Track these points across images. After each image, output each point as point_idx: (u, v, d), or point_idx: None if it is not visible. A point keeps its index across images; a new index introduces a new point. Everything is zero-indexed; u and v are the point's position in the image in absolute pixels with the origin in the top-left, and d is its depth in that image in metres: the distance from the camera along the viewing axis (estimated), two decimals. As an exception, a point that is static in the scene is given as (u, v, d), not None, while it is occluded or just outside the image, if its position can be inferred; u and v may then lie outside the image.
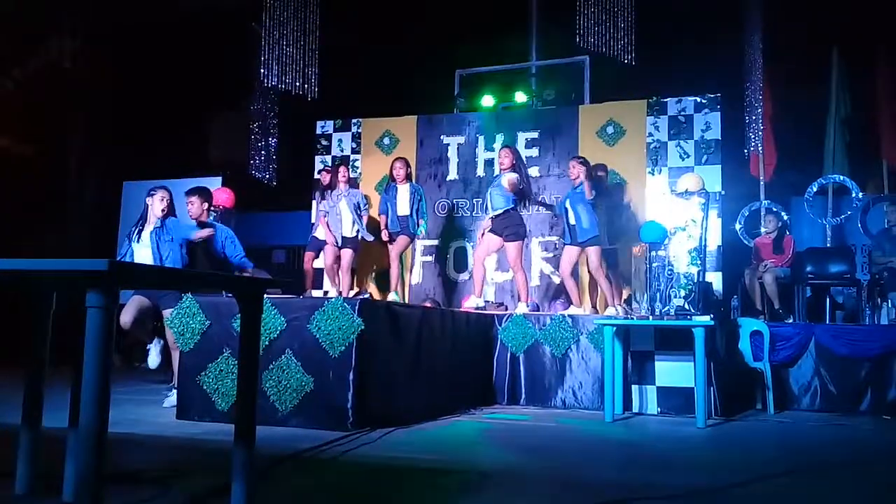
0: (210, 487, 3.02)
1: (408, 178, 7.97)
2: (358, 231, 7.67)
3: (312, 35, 9.14)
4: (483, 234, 7.30)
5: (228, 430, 2.61)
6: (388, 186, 8.11)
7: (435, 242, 8.79)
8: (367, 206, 7.90)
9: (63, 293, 2.91)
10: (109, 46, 10.89)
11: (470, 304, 7.25)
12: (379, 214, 8.07)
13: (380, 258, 8.49)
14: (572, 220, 7.08)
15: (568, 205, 7.14)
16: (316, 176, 8.73)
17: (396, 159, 8.06)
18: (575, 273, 7.34)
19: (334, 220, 7.67)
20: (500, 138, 8.75)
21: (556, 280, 8.05)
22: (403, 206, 7.81)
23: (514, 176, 7.13)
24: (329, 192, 7.82)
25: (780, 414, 6.18)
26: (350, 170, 8.37)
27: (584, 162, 7.23)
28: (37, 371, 2.85)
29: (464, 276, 8.53)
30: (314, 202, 8.34)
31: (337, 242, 7.65)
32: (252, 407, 2.53)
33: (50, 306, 2.87)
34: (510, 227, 7.10)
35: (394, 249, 7.81)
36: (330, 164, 9.24)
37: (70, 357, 2.84)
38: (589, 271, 7.29)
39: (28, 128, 10.46)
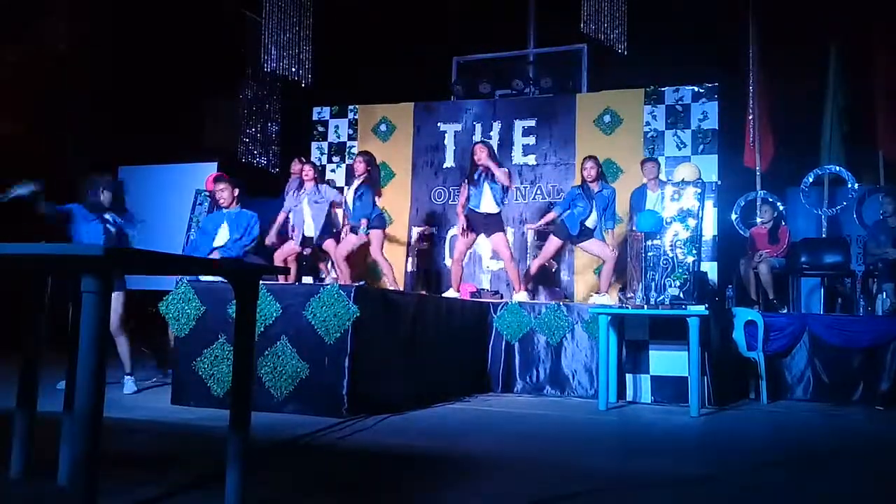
0: (205, 473, 3.02)
1: (364, 174, 7.08)
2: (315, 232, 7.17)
3: (307, 20, 9.09)
4: (462, 231, 7.11)
5: (223, 415, 2.61)
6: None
7: (431, 230, 8.78)
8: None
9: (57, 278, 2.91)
10: (104, 31, 10.82)
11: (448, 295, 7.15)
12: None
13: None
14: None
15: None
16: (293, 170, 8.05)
17: (360, 153, 7.53)
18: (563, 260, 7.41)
19: (298, 218, 7.30)
20: (496, 127, 8.74)
21: (551, 268, 8.05)
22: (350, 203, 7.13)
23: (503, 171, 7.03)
24: (296, 191, 7.45)
25: (774, 404, 6.21)
26: (316, 168, 7.62)
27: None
28: (32, 355, 2.84)
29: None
30: (287, 195, 7.60)
31: (296, 243, 7.28)
32: (247, 393, 2.54)
33: (45, 291, 2.87)
34: (492, 225, 7.04)
35: (374, 248, 7.09)
36: (326, 150, 9.22)
37: (66, 341, 2.84)
38: None
39: (22, 112, 10.40)
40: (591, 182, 7.03)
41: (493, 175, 6.96)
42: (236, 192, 6.22)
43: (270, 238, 7.24)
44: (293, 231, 7.36)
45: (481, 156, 7.02)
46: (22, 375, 2.83)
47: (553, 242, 7.16)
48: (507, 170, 7.10)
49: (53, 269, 2.75)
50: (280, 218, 7.40)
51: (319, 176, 7.58)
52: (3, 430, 2.95)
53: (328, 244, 7.24)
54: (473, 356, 6.51)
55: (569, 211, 7.09)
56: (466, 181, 7.21)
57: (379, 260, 7.16)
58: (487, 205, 7.01)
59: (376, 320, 5.04)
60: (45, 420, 2.92)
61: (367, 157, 7.31)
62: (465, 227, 7.06)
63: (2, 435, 2.99)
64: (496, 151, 8.34)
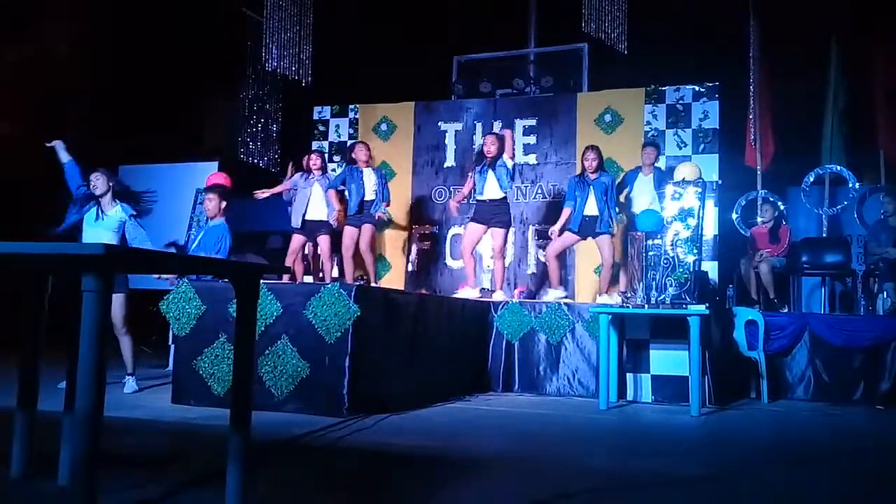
0: (205, 472, 3.02)
1: (368, 163, 7.55)
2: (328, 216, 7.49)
3: (308, 20, 9.08)
4: (466, 218, 7.30)
5: (224, 414, 2.61)
6: (351, 170, 7.58)
7: (432, 230, 8.78)
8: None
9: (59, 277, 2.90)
10: (105, 31, 10.81)
11: (466, 294, 7.18)
12: (330, 186, 7.56)
13: (377, 243, 8.43)
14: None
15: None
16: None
17: (359, 142, 7.80)
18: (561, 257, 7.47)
19: (301, 202, 7.49)
20: (497, 125, 8.74)
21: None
22: (370, 191, 7.42)
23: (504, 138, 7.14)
24: (305, 175, 7.63)
25: (774, 403, 6.21)
26: (323, 158, 7.86)
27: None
28: (32, 354, 2.84)
29: (460, 264, 8.51)
30: (290, 178, 7.84)
31: (292, 224, 7.52)
32: (248, 392, 2.54)
33: (45, 290, 2.87)
34: (499, 216, 7.06)
35: (363, 242, 7.35)
36: (326, 149, 9.25)
37: (66, 340, 2.84)
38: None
39: (22, 112, 10.40)
40: (590, 172, 7.06)
41: (496, 163, 7.02)
42: (223, 204, 6.23)
43: (261, 194, 7.59)
44: (291, 207, 7.60)
45: (491, 149, 7.06)
46: (22, 375, 2.83)
47: (569, 238, 7.14)
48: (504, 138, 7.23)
49: (54, 268, 2.74)
50: (279, 188, 7.79)
51: (325, 166, 7.86)
52: (4, 429, 2.95)
53: (322, 239, 7.38)
54: (474, 355, 6.50)
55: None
56: (470, 174, 7.32)
57: (366, 254, 7.36)
58: (492, 190, 7.05)
59: (377, 320, 5.04)
60: (45, 420, 2.92)
61: (367, 145, 7.73)
62: (470, 217, 7.22)
63: (2, 435, 2.99)
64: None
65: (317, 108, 9.50)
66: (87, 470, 1.91)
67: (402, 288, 8.20)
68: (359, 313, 4.78)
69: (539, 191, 8.54)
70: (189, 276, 5.24)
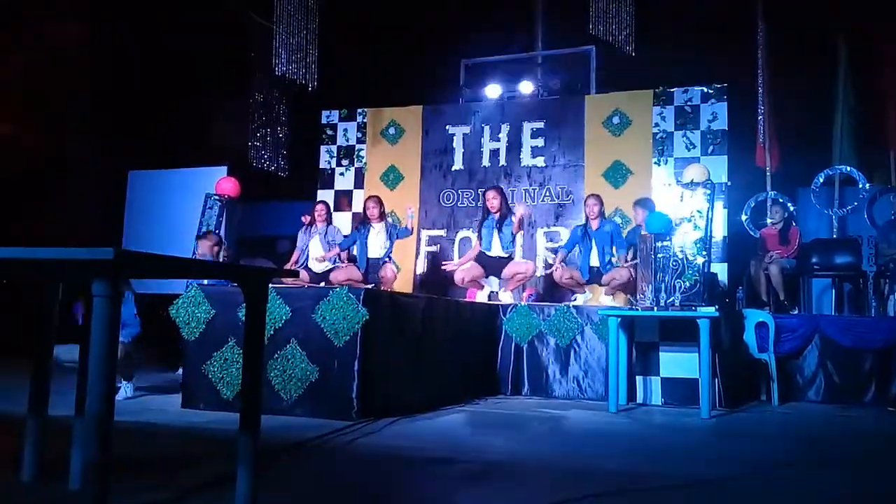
0: (215, 475, 3.03)
1: (382, 216, 7.57)
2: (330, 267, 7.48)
3: (315, 24, 9.11)
4: (469, 261, 7.35)
5: (234, 418, 2.62)
6: (361, 225, 7.76)
7: (440, 233, 8.78)
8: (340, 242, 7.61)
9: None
10: (113, 34, 10.87)
11: (480, 297, 7.19)
12: (341, 249, 7.62)
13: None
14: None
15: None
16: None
17: (369, 198, 7.74)
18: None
19: (303, 255, 7.63)
20: (504, 129, 8.73)
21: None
22: (376, 249, 7.46)
23: (520, 214, 7.21)
24: (310, 227, 7.71)
25: (785, 405, 6.18)
26: (328, 209, 7.96)
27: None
28: (43, 359, 2.86)
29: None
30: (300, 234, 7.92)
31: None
32: (257, 395, 2.54)
33: (55, 295, 2.88)
34: (502, 266, 7.14)
35: (385, 284, 7.34)
36: (335, 153, 9.28)
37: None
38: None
39: (32, 116, 10.46)
40: (592, 219, 7.10)
41: (503, 222, 7.17)
42: (216, 249, 6.34)
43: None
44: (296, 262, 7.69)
45: (494, 203, 7.20)
46: (33, 379, 2.85)
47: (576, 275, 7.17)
48: (519, 213, 7.23)
49: (64, 273, 2.76)
50: (295, 256, 7.79)
51: (330, 217, 7.92)
52: (16, 434, 2.97)
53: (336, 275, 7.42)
54: (483, 358, 6.50)
55: (575, 251, 7.16)
56: (476, 229, 7.45)
57: None
58: (497, 249, 7.20)
59: (385, 323, 5.04)
60: (57, 424, 2.94)
61: (379, 199, 7.66)
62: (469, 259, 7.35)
63: (14, 439, 3.00)
64: (504, 154, 8.49)
65: (325, 112, 9.52)
66: (99, 474, 1.91)
67: (410, 291, 8.20)
68: (367, 317, 4.78)
69: (547, 193, 8.52)
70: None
